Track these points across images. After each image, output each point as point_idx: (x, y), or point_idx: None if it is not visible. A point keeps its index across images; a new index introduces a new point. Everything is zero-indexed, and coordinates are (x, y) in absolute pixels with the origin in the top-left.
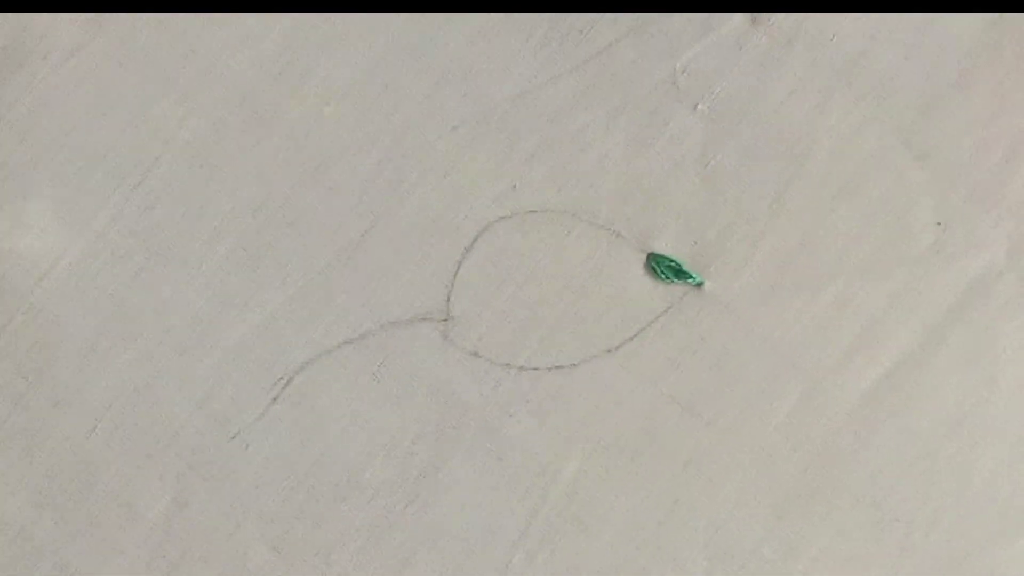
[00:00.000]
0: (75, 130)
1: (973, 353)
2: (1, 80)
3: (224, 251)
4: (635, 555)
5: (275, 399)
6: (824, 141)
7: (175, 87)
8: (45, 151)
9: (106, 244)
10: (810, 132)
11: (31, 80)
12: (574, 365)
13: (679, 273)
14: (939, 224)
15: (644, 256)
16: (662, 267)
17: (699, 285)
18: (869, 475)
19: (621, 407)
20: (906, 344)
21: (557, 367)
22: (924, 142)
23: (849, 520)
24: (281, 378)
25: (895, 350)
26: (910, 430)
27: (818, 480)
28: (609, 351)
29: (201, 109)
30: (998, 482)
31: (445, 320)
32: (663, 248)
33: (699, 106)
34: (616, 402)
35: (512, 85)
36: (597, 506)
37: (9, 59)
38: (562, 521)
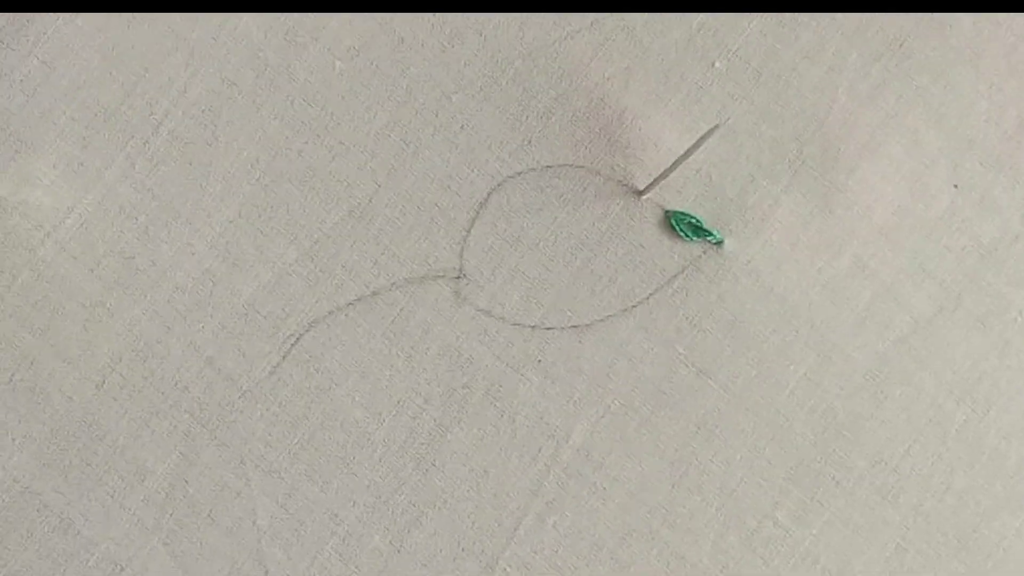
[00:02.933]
0: (84, 86)
1: (986, 317)
2: (11, 36)
3: (233, 208)
4: (646, 518)
5: (284, 357)
6: (841, 101)
7: (184, 44)
8: (54, 107)
9: (115, 200)
10: (827, 92)
11: (40, 35)
12: (588, 325)
13: (699, 231)
14: (956, 187)
15: (662, 213)
16: (682, 224)
17: (719, 244)
18: (882, 440)
19: (635, 368)
20: (921, 308)
21: (571, 327)
22: (940, 105)
23: (862, 485)
24: (291, 336)
25: (909, 314)
26: (923, 395)
27: (831, 445)
28: (624, 310)
29: (210, 66)
30: (1010, 448)
31: (457, 278)
32: (681, 205)
33: (716, 64)
34: (630, 363)
35: (527, 41)
36: (608, 468)
37: (19, 15)
38: (573, 483)
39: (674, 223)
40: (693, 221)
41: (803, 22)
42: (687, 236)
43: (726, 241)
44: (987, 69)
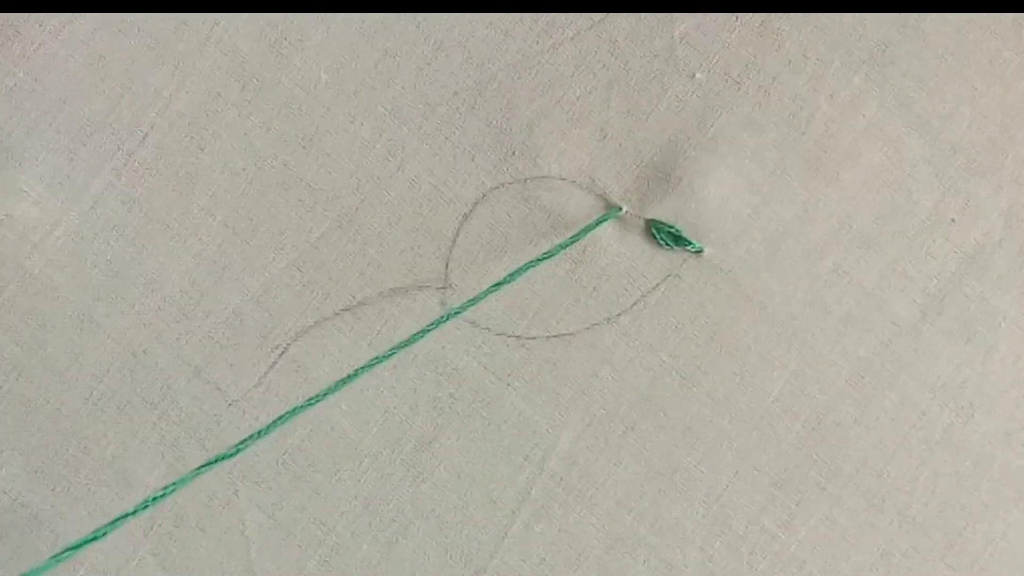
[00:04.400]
0: (71, 98)
1: (970, 323)
2: None
3: (220, 219)
4: (633, 525)
5: (272, 367)
6: (823, 109)
7: (170, 55)
8: (41, 119)
9: (102, 212)
10: (808, 100)
11: (27, 48)
12: (572, 334)
13: (679, 240)
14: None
15: (643, 223)
16: (662, 233)
17: (699, 252)
18: (867, 445)
19: (619, 376)
20: (904, 314)
21: (555, 336)
22: (922, 111)
23: (847, 490)
24: (277, 346)
25: (892, 320)
26: (907, 400)
27: (816, 450)
28: (608, 319)
29: (196, 78)
30: (994, 453)
31: (443, 288)
32: (663, 215)
33: (697, 75)
34: (614, 371)
35: (511, 53)
36: (595, 476)
37: (5, 26)
38: (559, 491)
39: (655, 232)
40: (673, 231)
41: (784, 31)
42: (667, 245)
43: (707, 250)
44: (970, 75)
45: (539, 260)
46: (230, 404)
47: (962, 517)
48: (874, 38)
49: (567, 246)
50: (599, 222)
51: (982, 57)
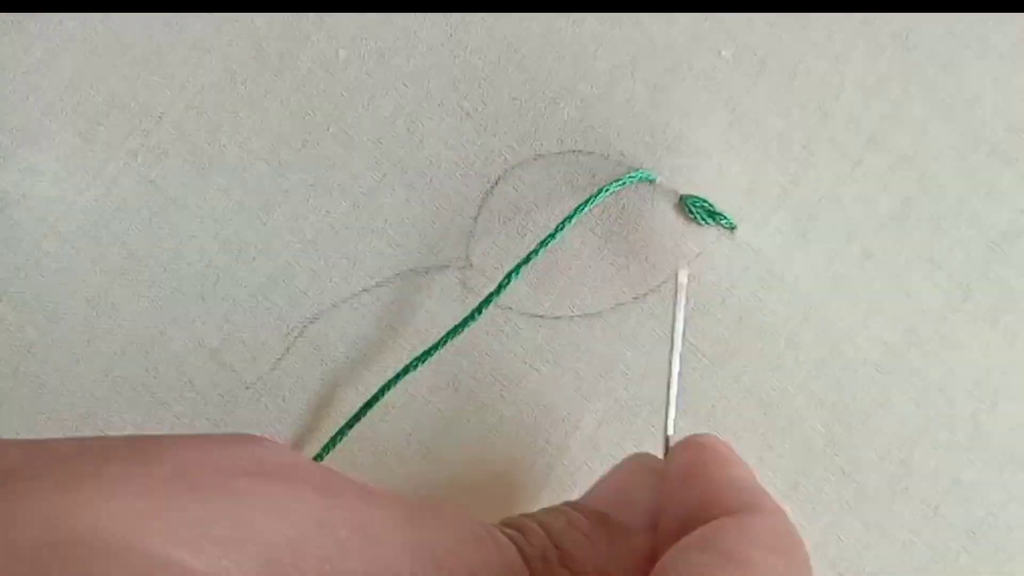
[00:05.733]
0: (87, 79)
1: (995, 309)
2: (14, 28)
3: (237, 199)
4: None
5: (289, 349)
6: (848, 92)
7: (187, 34)
8: (57, 99)
9: (118, 192)
10: (834, 83)
11: (45, 27)
12: (598, 313)
13: (714, 215)
14: None
15: (674, 198)
16: (697, 208)
17: (732, 229)
18: (891, 432)
19: (646, 357)
20: (929, 300)
21: (580, 315)
22: (947, 96)
23: (871, 477)
24: (295, 328)
25: (918, 305)
26: (932, 387)
27: (841, 437)
28: (636, 298)
29: (212, 57)
30: (1018, 441)
31: (464, 267)
32: (692, 192)
33: (723, 52)
34: (640, 352)
35: (533, 27)
36: (617, 459)
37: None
38: (581, 475)
39: (690, 206)
40: (707, 205)
41: (810, 13)
42: (702, 220)
43: (739, 227)
44: (994, 61)
45: (572, 216)
46: (246, 387)
47: (984, 506)
48: (898, 22)
49: (600, 197)
50: (634, 180)
51: (1006, 43)
